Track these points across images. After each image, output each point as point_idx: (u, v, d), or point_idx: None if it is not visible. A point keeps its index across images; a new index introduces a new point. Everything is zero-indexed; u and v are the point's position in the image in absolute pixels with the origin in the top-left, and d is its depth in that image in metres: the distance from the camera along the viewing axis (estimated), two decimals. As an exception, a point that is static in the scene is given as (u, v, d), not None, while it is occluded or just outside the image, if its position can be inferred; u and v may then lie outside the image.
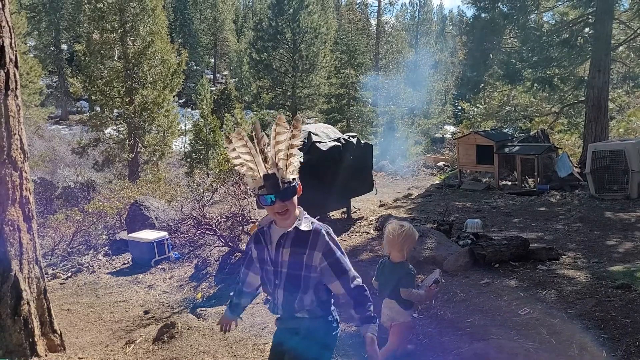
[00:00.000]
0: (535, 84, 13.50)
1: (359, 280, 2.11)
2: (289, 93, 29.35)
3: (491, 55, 13.92)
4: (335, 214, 8.70)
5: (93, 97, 20.47)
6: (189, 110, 41.60)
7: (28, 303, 3.40)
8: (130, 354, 3.95)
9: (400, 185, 16.01)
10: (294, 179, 2.00)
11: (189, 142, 27.98)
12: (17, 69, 3.44)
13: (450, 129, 37.66)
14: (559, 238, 6.46)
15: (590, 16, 12.52)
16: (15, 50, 3.42)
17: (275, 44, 28.97)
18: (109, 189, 14.29)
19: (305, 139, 7.46)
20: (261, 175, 1.95)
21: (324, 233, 2.04)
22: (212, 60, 58.34)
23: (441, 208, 9.01)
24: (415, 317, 4.10)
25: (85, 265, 8.17)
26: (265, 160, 1.96)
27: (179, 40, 46.25)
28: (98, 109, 23.15)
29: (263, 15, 32.35)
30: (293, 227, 2.03)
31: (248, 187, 2.10)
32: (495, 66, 14.10)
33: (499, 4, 13.08)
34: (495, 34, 13.37)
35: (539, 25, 13.69)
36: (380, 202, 10.50)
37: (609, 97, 13.09)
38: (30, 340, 3.40)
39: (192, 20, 54.23)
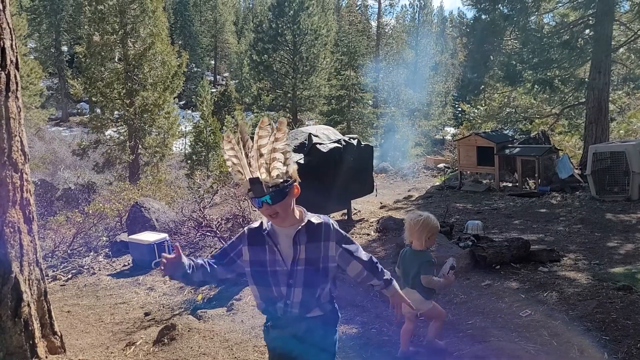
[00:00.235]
0: (536, 86, 13.50)
1: (367, 253, 2.26)
2: (289, 95, 29.38)
3: (491, 57, 13.93)
4: (336, 216, 8.70)
5: (93, 99, 20.49)
6: (190, 112, 41.69)
7: (28, 305, 3.40)
8: (131, 356, 3.94)
9: (401, 187, 16.01)
10: (282, 183, 1.95)
11: (189, 143, 28.02)
12: (18, 70, 3.44)
13: (451, 130, 37.69)
14: (560, 240, 6.45)
15: (590, 18, 12.53)
16: (16, 52, 3.42)
17: (276, 46, 29.01)
18: (109, 190, 14.30)
19: (305, 140, 7.46)
20: (247, 178, 1.95)
21: (332, 223, 2.13)
22: (213, 62, 58.42)
23: (442, 209, 9.00)
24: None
25: (85, 267, 8.17)
26: (249, 164, 1.94)
27: (180, 42, 46.40)
28: (98, 110, 23.17)
29: (263, 17, 32.39)
30: (306, 221, 2.05)
31: (239, 190, 2.09)
32: (496, 68, 14.09)
33: (500, 5, 13.09)
34: (495, 35, 13.38)
35: (539, 27, 13.70)
36: (381, 203, 10.50)
37: (610, 98, 13.09)
38: (31, 342, 3.39)
39: (192, 22, 54.29)
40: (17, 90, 3.40)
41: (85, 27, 21.14)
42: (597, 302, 3.98)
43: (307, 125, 23.45)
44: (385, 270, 2.32)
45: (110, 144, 20.88)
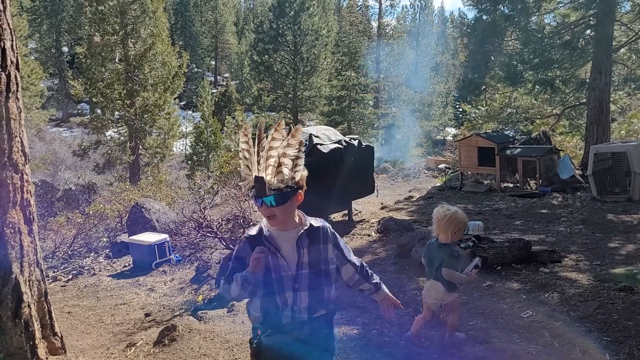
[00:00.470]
0: (537, 86, 13.48)
1: (358, 258, 2.33)
2: (290, 95, 29.38)
3: (492, 57, 13.92)
4: (337, 216, 8.69)
5: (94, 100, 20.50)
6: (190, 112, 41.72)
7: (29, 306, 3.39)
8: (131, 357, 3.94)
9: (402, 188, 16.01)
10: (285, 188, 1.96)
11: (189, 144, 28.03)
12: (18, 71, 3.43)
13: (452, 131, 37.70)
14: (561, 240, 6.44)
15: (591, 18, 12.51)
16: (17, 53, 3.41)
17: (276, 46, 29.02)
18: (109, 191, 14.29)
19: (306, 141, 7.46)
20: (253, 176, 1.96)
21: (329, 226, 2.17)
22: (213, 63, 58.45)
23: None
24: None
25: (86, 268, 8.17)
26: (258, 162, 1.96)
27: (180, 43, 46.45)
28: (99, 111, 23.17)
29: (264, 17, 32.42)
30: (308, 225, 2.07)
31: (243, 185, 2.06)
32: (497, 68, 14.08)
33: (500, 5, 13.08)
34: (496, 35, 13.37)
35: (540, 27, 13.67)
36: (382, 204, 10.49)
37: (611, 99, 13.07)
38: (31, 343, 3.38)
39: (193, 23, 54.30)
40: (17, 91, 3.39)
41: (86, 27, 21.15)
42: (599, 303, 3.97)
43: (308, 125, 23.46)
44: (374, 274, 2.35)
45: (111, 144, 20.88)
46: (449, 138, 33.02)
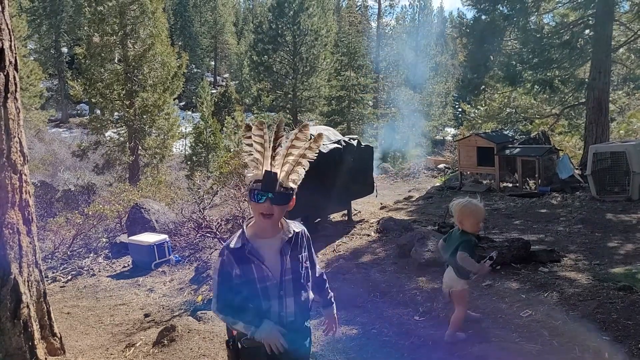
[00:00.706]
0: (536, 86, 13.49)
1: (320, 269, 2.35)
2: (289, 95, 29.40)
3: (491, 57, 13.91)
4: (336, 217, 8.69)
5: (93, 100, 20.48)
6: (190, 112, 41.68)
7: (28, 306, 3.39)
8: (130, 357, 3.94)
9: (401, 188, 16.01)
10: (291, 189, 1.99)
11: (189, 144, 28.01)
12: (17, 71, 3.43)
13: (451, 131, 37.71)
14: (560, 240, 6.44)
15: (590, 18, 12.51)
16: (15, 53, 3.41)
17: (276, 47, 29.03)
18: (109, 191, 14.28)
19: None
20: (264, 170, 1.95)
21: (304, 229, 2.19)
22: (213, 63, 58.41)
23: (442, 210, 8.99)
24: (417, 319, 4.09)
25: (85, 269, 8.16)
26: (273, 158, 1.96)
27: (180, 43, 46.46)
28: (98, 111, 23.18)
29: (263, 17, 32.41)
30: (292, 233, 2.08)
31: (245, 178, 2.07)
32: (496, 68, 14.08)
33: (499, 5, 13.08)
34: (495, 35, 13.36)
35: (539, 27, 13.67)
36: (381, 204, 10.49)
37: (610, 98, 13.08)
38: (30, 343, 3.38)
39: (192, 23, 54.29)
40: (16, 91, 3.39)
41: (85, 28, 21.15)
42: (598, 302, 3.97)
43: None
44: (329, 290, 2.37)
45: (110, 145, 20.87)
46: (449, 138, 33.01)
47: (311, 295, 2.18)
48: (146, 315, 5.67)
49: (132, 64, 19.74)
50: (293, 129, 2.07)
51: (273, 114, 29.34)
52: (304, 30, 28.42)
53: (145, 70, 19.86)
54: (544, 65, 12.98)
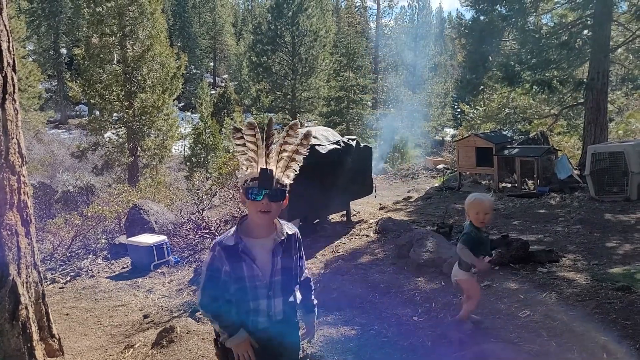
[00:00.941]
0: (535, 86, 13.50)
1: (307, 273, 2.35)
2: (288, 96, 29.40)
3: (490, 58, 13.92)
4: (335, 217, 8.69)
5: (92, 101, 20.49)
6: (189, 113, 41.65)
7: (26, 308, 3.39)
8: (129, 359, 3.94)
9: (400, 188, 16.00)
10: (286, 186, 2.03)
11: (188, 145, 28.02)
12: (15, 73, 3.43)
13: (450, 131, 37.76)
14: (559, 240, 6.44)
15: (588, 18, 12.53)
16: (13, 54, 3.41)
17: (275, 47, 29.03)
18: (108, 192, 14.26)
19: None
20: (259, 168, 1.97)
21: (297, 231, 2.21)
22: (212, 64, 58.42)
23: (441, 211, 9.00)
24: (416, 319, 4.09)
25: (84, 270, 8.15)
26: (267, 155, 1.99)
27: (178, 44, 46.46)
28: (97, 112, 23.16)
29: (262, 18, 32.42)
30: (285, 235, 2.10)
31: (239, 177, 2.07)
32: (494, 68, 14.08)
33: (498, 6, 13.10)
34: (494, 36, 13.37)
35: (537, 28, 13.68)
36: (380, 205, 10.49)
37: (608, 99, 13.09)
38: (29, 345, 3.38)
39: (191, 24, 54.31)
40: (14, 92, 3.39)
41: (84, 29, 21.14)
42: (596, 302, 3.98)
43: (307, 126, 23.47)
44: (314, 297, 2.37)
45: (109, 146, 20.86)
46: (448, 138, 33.05)
47: (299, 296, 2.21)
48: (145, 317, 5.66)
49: (131, 65, 19.74)
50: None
51: (272, 114, 29.33)
52: (303, 31, 28.43)
53: (144, 71, 19.86)
54: (542, 65, 12.99)
